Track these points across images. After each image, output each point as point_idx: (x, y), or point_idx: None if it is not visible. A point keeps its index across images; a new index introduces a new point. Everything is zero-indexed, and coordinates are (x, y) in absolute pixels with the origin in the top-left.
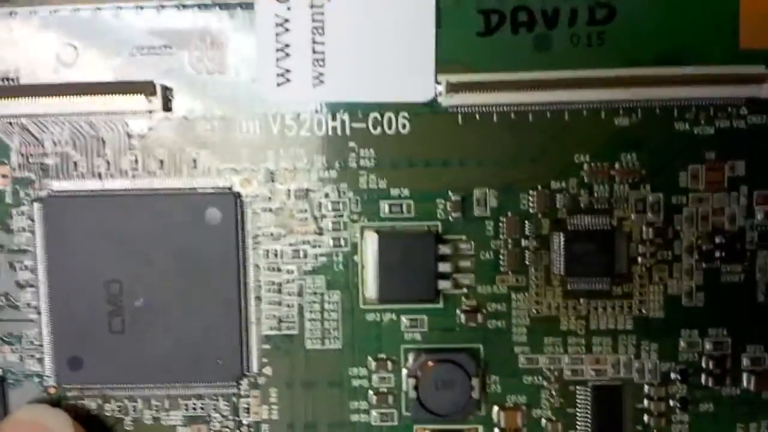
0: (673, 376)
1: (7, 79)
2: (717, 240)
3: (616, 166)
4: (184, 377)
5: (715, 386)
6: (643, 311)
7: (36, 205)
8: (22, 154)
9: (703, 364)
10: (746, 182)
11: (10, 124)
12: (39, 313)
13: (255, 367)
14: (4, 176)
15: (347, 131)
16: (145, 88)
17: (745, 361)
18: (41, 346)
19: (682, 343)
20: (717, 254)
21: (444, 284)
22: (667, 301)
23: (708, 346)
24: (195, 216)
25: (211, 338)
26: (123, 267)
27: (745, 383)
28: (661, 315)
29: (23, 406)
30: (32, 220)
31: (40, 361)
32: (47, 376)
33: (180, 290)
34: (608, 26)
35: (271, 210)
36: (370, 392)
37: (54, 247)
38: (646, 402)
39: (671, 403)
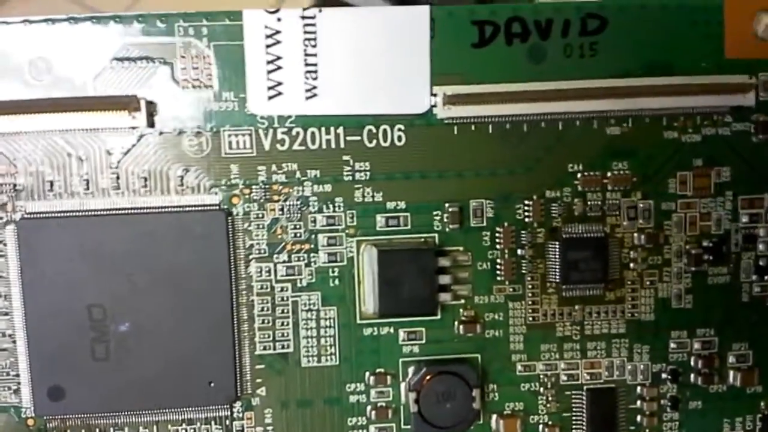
0: (663, 376)
1: None
2: (704, 243)
3: (609, 174)
4: (174, 402)
5: (703, 384)
6: (635, 315)
7: (8, 228)
8: None
9: (692, 364)
10: (731, 188)
11: None
12: (14, 342)
13: (249, 388)
14: None
15: (342, 144)
16: (129, 104)
17: (731, 359)
18: (17, 376)
19: (672, 344)
20: (704, 257)
21: (444, 296)
22: (658, 304)
23: (696, 345)
24: (183, 235)
25: (203, 360)
26: (106, 290)
27: (731, 380)
28: (652, 318)
29: None
30: (4, 245)
31: (17, 392)
32: (25, 407)
33: (168, 312)
34: (600, 36)
35: (263, 227)
36: (369, 407)
37: (30, 271)
38: (638, 402)
39: (662, 402)
